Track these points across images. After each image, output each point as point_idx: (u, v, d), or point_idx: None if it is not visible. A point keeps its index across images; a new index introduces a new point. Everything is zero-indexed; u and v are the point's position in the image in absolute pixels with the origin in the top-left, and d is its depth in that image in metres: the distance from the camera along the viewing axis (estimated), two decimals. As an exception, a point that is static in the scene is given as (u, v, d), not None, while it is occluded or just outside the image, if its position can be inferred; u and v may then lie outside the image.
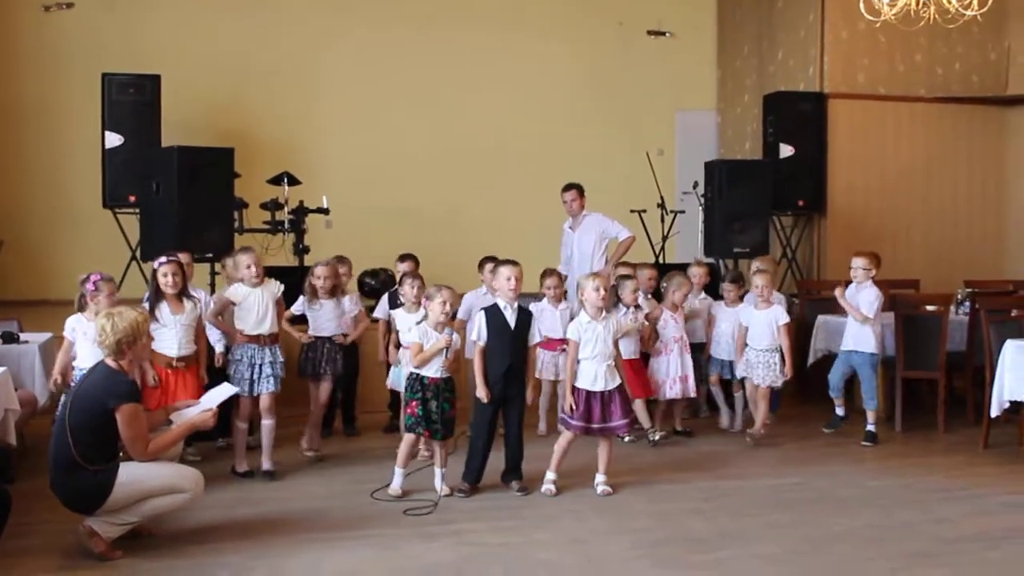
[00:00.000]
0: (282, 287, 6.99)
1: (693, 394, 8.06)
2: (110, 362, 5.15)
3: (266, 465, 6.79)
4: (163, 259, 6.57)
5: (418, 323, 6.36)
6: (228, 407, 6.64)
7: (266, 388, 6.74)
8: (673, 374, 7.86)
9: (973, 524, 5.81)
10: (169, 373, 6.45)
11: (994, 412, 7.21)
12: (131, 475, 5.07)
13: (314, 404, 7.29)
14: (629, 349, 7.58)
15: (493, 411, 6.41)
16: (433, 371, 6.23)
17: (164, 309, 6.47)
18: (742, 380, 8.10)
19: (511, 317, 6.37)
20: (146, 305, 6.42)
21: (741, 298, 8.32)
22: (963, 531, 5.68)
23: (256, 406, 6.84)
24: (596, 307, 6.35)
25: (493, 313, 6.40)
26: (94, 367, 5.32)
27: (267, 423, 6.81)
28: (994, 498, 6.33)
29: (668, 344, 7.90)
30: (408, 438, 6.29)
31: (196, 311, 6.64)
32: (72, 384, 6.01)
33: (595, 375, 6.30)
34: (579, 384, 6.34)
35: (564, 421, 6.40)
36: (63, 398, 5.48)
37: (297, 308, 7.29)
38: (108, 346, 5.12)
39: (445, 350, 6.21)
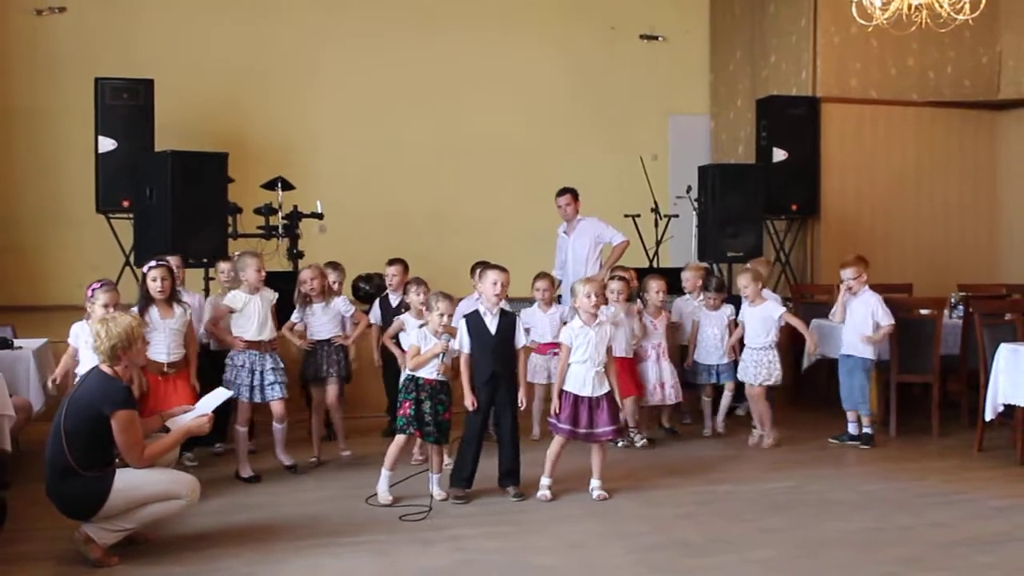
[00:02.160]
0: (276, 295, 7.04)
1: (673, 400, 8.05)
2: (105, 368, 5.15)
3: (287, 460, 6.96)
4: (152, 263, 6.58)
5: (420, 326, 6.40)
6: (224, 412, 6.66)
7: (275, 395, 6.82)
8: (653, 380, 7.91)
9: (967, 528, 5.82)
10: (160, 379, 6.44)
11: (988, 416, 7.23)
12: (127, 481, 5.07)
13: (316, 410, 7.34)
14: (622, 347, 7.60)
15: (482, 418, 6.41)
16: (428, 372, 6.24)
17: (154, 314, 6.46)
18: (718, 385, 8.19)
19: (491, 323, 6.37)
20: (135, 310, 6.42)
21: (723, 302, 8.35)
22: (957, 535, 5.69)
23: (255, 411, 6.87)
24: (589, 313, 6.36)
25: (474, 320, 6.41)
26: (88, 373, 5.32)
27: (280, 427, 6.92)
28: (988, 502, 6.34)
29: (647, 350, 7.94)
30: (398, 439, 6.29)
31: (186, 316, 6.63)
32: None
33: (584, 379, 6.30)
34: (568, 387, 6.34)
35: (551, 424, 6.41)
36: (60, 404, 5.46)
37: (296, 317, 7.32)
38: (103, 351, 5.12)
39: (442, 355, 6.21)
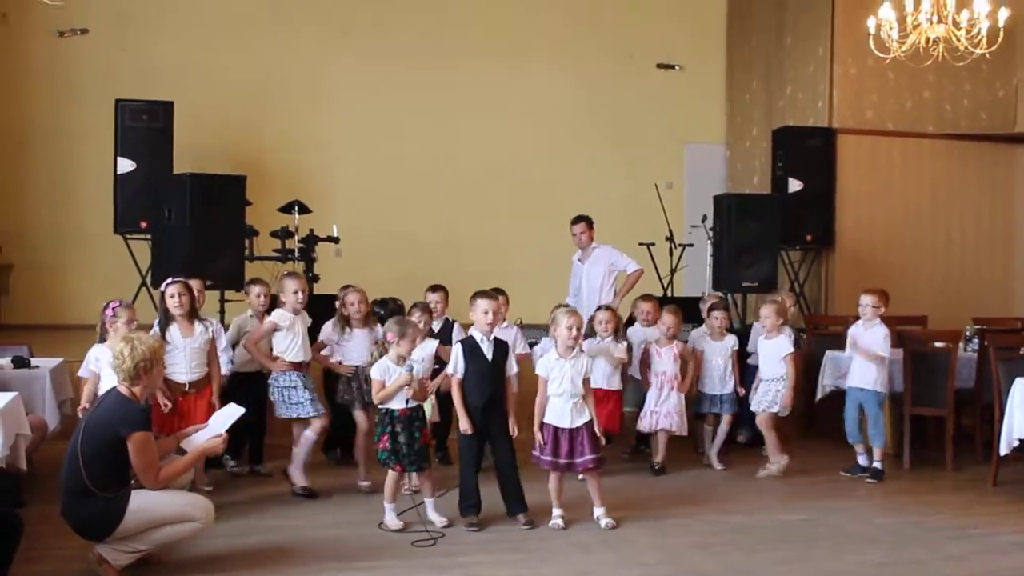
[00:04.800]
0: (310, 320, 7.14)
1: (680, 432, 7.97)
2: (123, 389, 5.16)
3: (302, 481, 6.94)
4: (169, 280, 6.61)
5: (378, 358, 6.30)
6: (238, 431, 6.66)
7: (321, 412, 6.90)
8: (668, 407, 7.84)
9: (982, 563, 5.79)
10: (181, 398, 6.45)
11: (1003, 450, 7.19)
12: (142, 503, 5.08)
13: (361, 434, 7.23)
14: (614, 381, 7.66)
15: (478, 443, 6.40)
16: (400, 403, 6.19)
17: (174, 332, 6.49)
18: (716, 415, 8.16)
19: (488, 349, 6.36)
20: (157, 330, 6.44)
21: (729, 328, 8.32)
22: (972, 570, 5.66)
23: (271, 435, 6.93)
24: (566, 345, 6.34)
25: (470, 346, 6.40)
26: (107, 394, 5.33)
27: (313, 437, 6.94)
28: (1003, 537, 6.30)
29: (657, 376, 7.92)
30: (392, 473, 6.28)
31: (208, 334, 6.65)
32: None
33: (562, 411, 6.29)
34: (547, 420, 6.33)
35: (535, 458, 6.39)
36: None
37: (325, 337, 7.30)
38: (125, 371, 5.12)
39: (409, 383, 6.15)
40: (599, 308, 7.97)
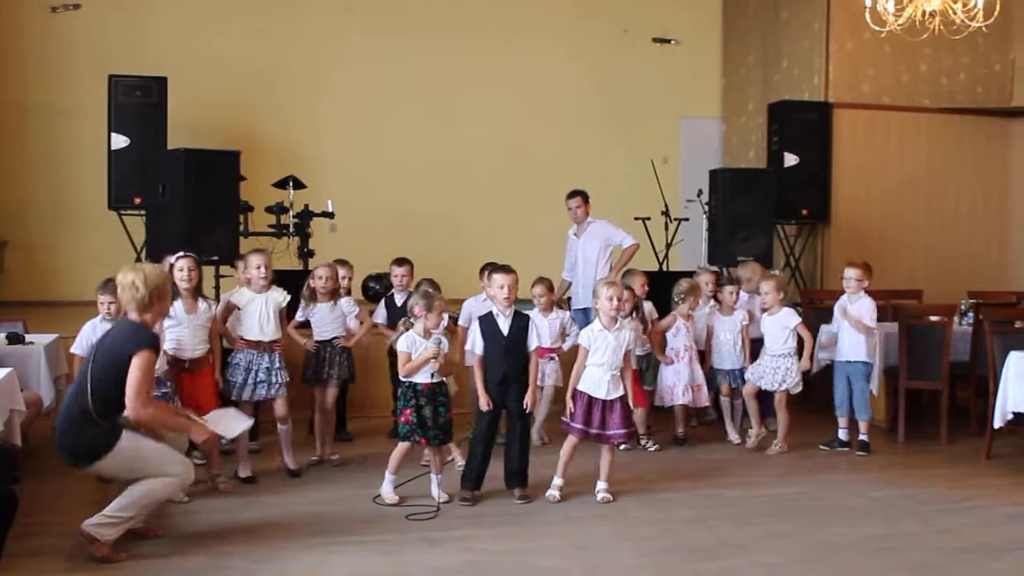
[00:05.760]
0: (287, 297, 6.94)
1: (705, 403, 8.08)
2: (134, 317, 5.15)
3: (291, 465, 6.90)
4: (180, 254, 6.54)
5: (404, 331, 6.29)
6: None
7: (260, 395, 6.77)
8: (685, 381, 7.89)
9: (976, 535, 5.81)
10: (184, 375, 6.43)
11: (997, 423, 7.21)
12: (130, 443, 5.10)
13: (319, 410, 7.30)
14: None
15: (492, 419, 6.40)
16: (425, 377, 6.19)
17: (178, 307, 6.38)
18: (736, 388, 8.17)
19: (505, 324, 6.34)
20: None
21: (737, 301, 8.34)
22: (965, 542, 5.68)
23: (256, 411, 6.88)
24: (609, 316, 6.34)
25: (488, 321, 6.39)
26: (117, 323, 5.32)
27: (284, 428, 6.89)
28: (997, 509, 6.32)
29: (679, 352, 7.93)
30: (402, 446, 6.27)
31: (211, 311, 6.60)
32: None
33: (599, 382, 6.29)
34: (582, 388, 6.33)
35: (564, 424, 6.40)
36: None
37: (300, 315, 7.31)
38: (138, 299, 5.10)
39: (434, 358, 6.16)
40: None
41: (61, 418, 5.17)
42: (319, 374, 7.25)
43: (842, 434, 7.92)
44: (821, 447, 7.94)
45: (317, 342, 7.26)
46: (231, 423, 5.82)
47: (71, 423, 5.09)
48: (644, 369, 8.06)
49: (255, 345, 6.77)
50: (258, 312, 6.78)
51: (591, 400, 6.31)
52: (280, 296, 6.90)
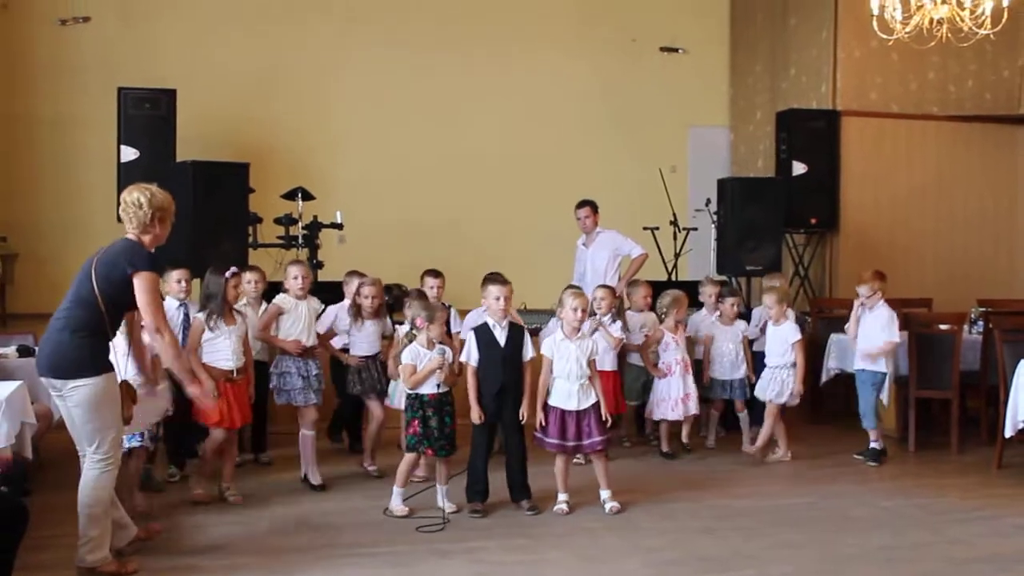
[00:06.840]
0: (323, 307, 7.14)
1: (694, 412, 8.02)
2: (132, 236, 5.11)
3: (315, 480, 6.88)
4: (235, 269, 6.61)
5: (408, 343, 6.29)
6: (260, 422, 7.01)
7: (311, 401, 6.85)
8: (675, 395, 7.87)
9: (986, 546, 5.80)
10: (228, 386, 6.41)
11: (1008, 432, 7.18)
12: (111, 385, 5.04)
13: (375, 422, 7.18)
14: (606, 361, 7.50)
15: (489, 431, 6.40)
16: (430, 387, 6.19)
17: (220, 319, 6.45)
18: (725, 400, 8.17)
19: (501, 336, 6.32)
20: (201, 315, 6.42)
21: (740, 315, 8.33)
22: (976, 553, 5.67)
23: (273, 422, 6.93)
24: (572, 326, 6.33)
25: (483, 332, 6.37)
26: (113, 243, 5.20)
27: (310, 434, 6.88)
28: (1008, 519, 6.31)
29: (670, 366, 7.91)
30: (408, 457, 6.27)
31: (244, 325, 6.64)
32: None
33: (569, 393, 6.28)
34: (552, 402, 6.32)
35: (537, 440, 6.36)
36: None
37: (325, 325, 7.23)
38: (140, 217, 5.06)
39: (439, 369, 6.16)
40: (598, 287, 7.93)
41: (50, 327, 5.08)
42: (373, 386, 7.14)
43: (875, 444, 7.84)
44: (855, 456, 7.89)
45: (362, 358, 7.17)
46: (152, 410, 5.85)
47: (56, 330, 5.02)
48: (641, 384, 8.10)
49: (302, 351, 6.85)
50: (303, 318, 6.92)
51: (563, 414, 6.29)
52: (317, 304, 7.09)
